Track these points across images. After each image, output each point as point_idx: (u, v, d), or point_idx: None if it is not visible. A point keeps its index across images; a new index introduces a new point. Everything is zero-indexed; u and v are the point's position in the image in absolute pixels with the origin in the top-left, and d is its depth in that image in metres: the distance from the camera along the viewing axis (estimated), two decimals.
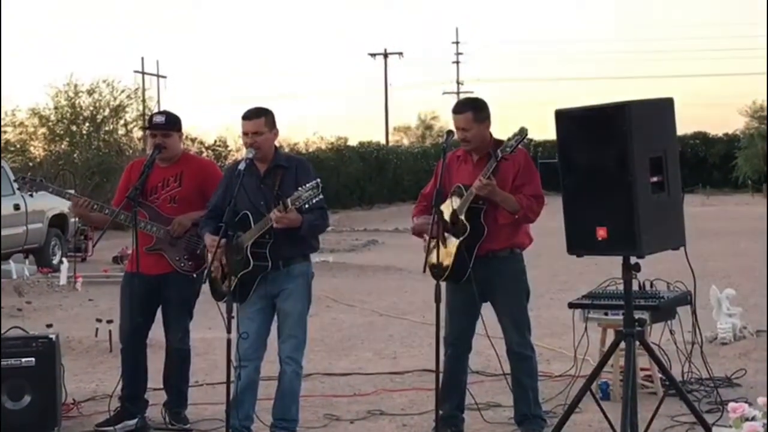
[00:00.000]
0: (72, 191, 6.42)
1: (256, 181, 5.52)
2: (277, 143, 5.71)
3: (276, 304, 5.53)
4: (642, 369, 6.41)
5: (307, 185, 5.17)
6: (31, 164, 28.16)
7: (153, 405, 6.23)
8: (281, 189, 5.40)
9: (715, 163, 44.15)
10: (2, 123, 32.45)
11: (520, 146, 5.41)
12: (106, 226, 6.09)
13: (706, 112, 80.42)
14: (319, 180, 5.22)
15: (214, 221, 5.49)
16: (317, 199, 5.17)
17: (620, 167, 4.66)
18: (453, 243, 5.53)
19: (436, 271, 5.44)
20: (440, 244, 5.44)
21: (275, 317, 5.58)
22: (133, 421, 5.99)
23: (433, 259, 5.46)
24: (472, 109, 5.60)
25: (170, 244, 5.94)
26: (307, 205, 5.20)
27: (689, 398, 5.26)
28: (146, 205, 5.97)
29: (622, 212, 4.66)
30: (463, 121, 5.58)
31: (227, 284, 5.31)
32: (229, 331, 5.23)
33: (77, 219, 16.85)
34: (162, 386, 6.25)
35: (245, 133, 5.50)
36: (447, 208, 5.58)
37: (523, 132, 5.37)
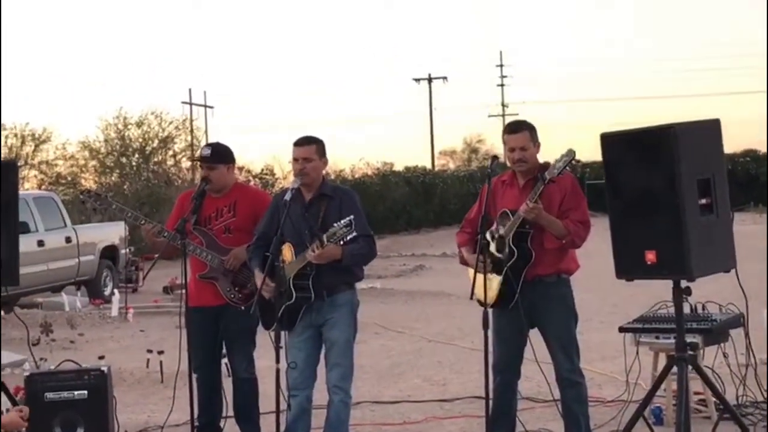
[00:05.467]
0: (138, 215, 6.48)
1: (300, 209, 5.56)
2: (324, 172, 5.76)
3: (322, 333, 5.54)
4: (695, 393, 6.32)
5: (342, 222, 5.16)
6: (81, 190, 28.53)
7: None
8: (325, 219, 5.43)
9: (766, 181, 43.53)
10: (53, 156, 33.04)
11: (567, 169, 5.35)
12: (158, 257, 6.14)
13: (757, 129, 79.38)
14: (352, 217, 5.19)
15: (262, 250, 5.56)
16: (351, 236, 5.16)
17: (668, 190, 4.63)
18: (500, 269, 5.50)
19: (483, 298, 5.43)
20: (487, 271, 5.42)
21: (322, 347, 5.59)
22: None
23: (480, 285, 5.44)
24: (529, 129, 5.58)
25: (223, 274, 5.99)
26: (341, 242, 5.20)
27: (744, 422, 5.18)
28: (204, 232, 6.03)
29: (670, 235, 4.63)
30: (521, 140, 5.53)
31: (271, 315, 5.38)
32: (278, 361, 5.25)
33: (129, 249, 17.11)
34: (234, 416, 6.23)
35: (295, 159, 5.57)
36: (492, 237, 5.54)
37: (570, 153, 5.30)
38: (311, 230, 5.42)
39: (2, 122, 29.14)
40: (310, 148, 5.58)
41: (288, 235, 5.49)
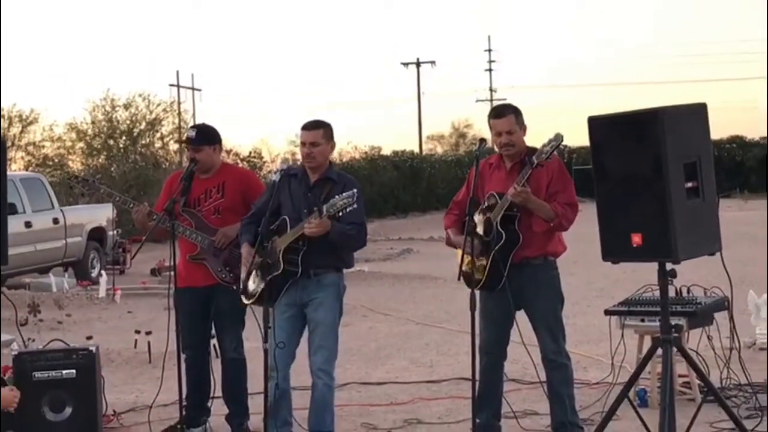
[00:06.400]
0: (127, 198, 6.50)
1: (304, 189, 5.58)
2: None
3: (306, 314, 5.57)
4: (680, 375, 6.38)
5: (344, 194, 5.22)
6: (68, 176, 28.52)
7: (217, 415, 6.26)
8: (326, 202, 5.41)
9: (752, 167, 43.73)
10: (40, 137, 32.97)
11: (555, 153, 5.38)
12: (145, 238, 6.16)
13: (743, 116, 79.67)
14: (356, 190, 5.26)
15: (255, 226, 5.55)
16: (351, 208, 5.20)
17: (654, 173, 4.65)
18: (487, 251, 5.53)
19: (471, 279, 5.47)
20: (474, 252, 5.45)
21: (305, 329, 5.61)
22: (198, 429, 6.09)
23: (467, 267, 5.47)
24: (514, 113, 5.60)
25: (213, 254, 6.00)
26: (340, 213, 5.23)
27: (728, 404, 5.23)
28: (192, 213, 6.04)
29: (656, 218, 4.66)
30: (507, 123, 5.55)
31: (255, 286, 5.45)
32: (265, 341, 5.28)
33: (116, 231, 17.10)
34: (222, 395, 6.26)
35: (303, 143, 5.60)
36: (480, 219, 5.58)
37: (558, 138, 5.32)
38: (310, 209, 5.40)
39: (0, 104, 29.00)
40: (317, 132, 5.59)
41: (286, 212, 5.51)
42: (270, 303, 5.37)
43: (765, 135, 45.64)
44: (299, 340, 5.64)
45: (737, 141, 45.67)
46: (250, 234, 5.57)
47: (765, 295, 8.28)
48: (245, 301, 5.62)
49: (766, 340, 8.05)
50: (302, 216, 5.44)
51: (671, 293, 5.63)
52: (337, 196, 5.25)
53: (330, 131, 5.65)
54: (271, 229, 5.46)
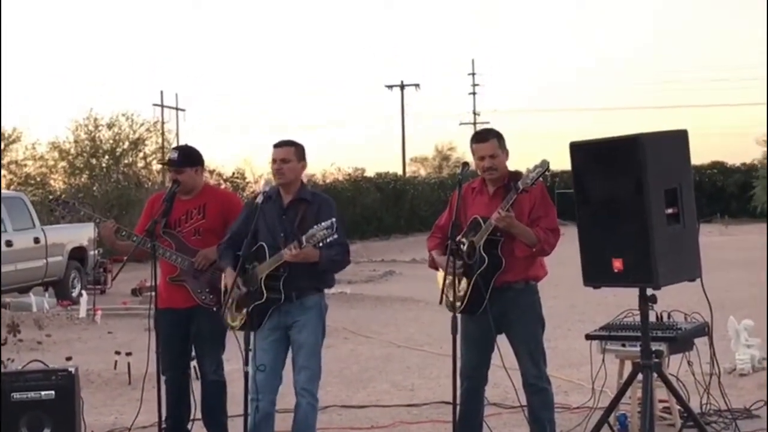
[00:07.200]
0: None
1: (278, 212, 5.59)
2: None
3: (290, 335, 5.56)
4: (660, 401, 6.39)
5: (322, 224, 5.21)
6: (50, 197, 28.39)
7: None
8: (301, 223, 5.43)
9: (733, 193, 43.99)
10: (22, 156, 32.84)
11: (540, 179, 5.40)
12: (127, 259, 6.15)
13: (724, 141, 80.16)
14: (334, 220, 5.25)
15: (233, 250, 5.57)
16: (331, 238, 5.21)
17: (635, 199, 4.69)
18: (470, 275, 5.54)
19: (452, 303, 5.47)
20: (456, 276, 5.46)
21: (290, 350, 5.61)
22: None
23: (449, 291, 5.48)
24: (497, 137, 5.63)
25: (193, 276, 5.99)
26: (320, 244, 5.24)
27: (707, 430, 5.24)
28: (173, 235, 6.04)
29: (637, 244, 4.69)
30: (489, 148, 5.58)
31: (239, 314, 5.45)
32: (246, 364, 5.26)
33: (97, 251, 17.03)
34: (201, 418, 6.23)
35: (274, 160, 5.63)
36: (463, 243, 5.58)
37: (544, 164, 5.33)
38: (286, 233, 5.42)
39: None
40: (288, 149, 5.63)
41: (262, 237, 5.51)
42: (253, 329, 5.40)
43: (746, 161, 46.03)
44: (285, 361, 5.63)
45: (718, 167, 45.94)
46: (230, 258, 5.58)
47: (744, 321, 8.32)
48: (230, 326, 5.61)
49: (746, 367, 8.08)
50: (278, 240, 5.46)
51: (652, 318, 5.66)
52: (315, 227, 5.23)
53: (301, 150, 5.68)
54: (252, 252, 5.46)
